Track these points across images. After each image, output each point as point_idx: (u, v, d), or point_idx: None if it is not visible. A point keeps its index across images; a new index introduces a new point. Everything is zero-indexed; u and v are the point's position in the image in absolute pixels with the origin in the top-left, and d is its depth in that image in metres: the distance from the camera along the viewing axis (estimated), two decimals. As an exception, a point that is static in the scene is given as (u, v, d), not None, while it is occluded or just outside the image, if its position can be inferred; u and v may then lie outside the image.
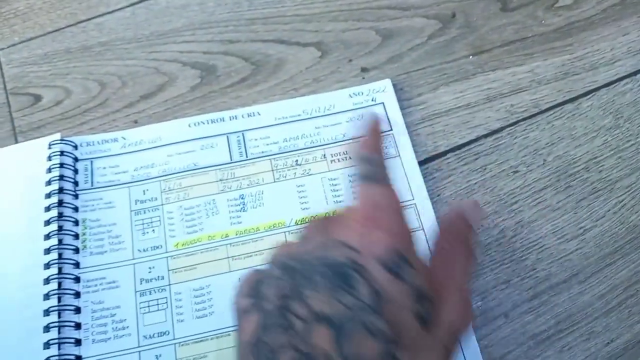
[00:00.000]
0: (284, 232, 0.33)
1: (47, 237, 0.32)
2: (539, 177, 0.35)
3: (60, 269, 0.31)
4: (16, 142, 0.37)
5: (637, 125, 0.37)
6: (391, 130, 0.36)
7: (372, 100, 0.37)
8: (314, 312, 0.20)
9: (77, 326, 0.31)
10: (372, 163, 0.25)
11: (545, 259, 0.33)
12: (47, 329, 0.30)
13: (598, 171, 0.35)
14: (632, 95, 0.38)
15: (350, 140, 0.36)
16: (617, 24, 0.41)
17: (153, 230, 0.33)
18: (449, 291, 0.23)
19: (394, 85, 0.38)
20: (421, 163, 0.35)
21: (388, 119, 0.37)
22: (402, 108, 0.37)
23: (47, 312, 0.30)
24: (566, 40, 0.40)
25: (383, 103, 0.37)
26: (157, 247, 0.33)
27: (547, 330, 0.31)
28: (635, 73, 0.39)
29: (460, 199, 0.34)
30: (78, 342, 0.30)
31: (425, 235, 0.33)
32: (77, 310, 0.31)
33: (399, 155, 0.35)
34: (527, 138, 0.36)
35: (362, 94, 0.37)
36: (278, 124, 0.37)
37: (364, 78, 0.38)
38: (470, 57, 0.39)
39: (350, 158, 0.35)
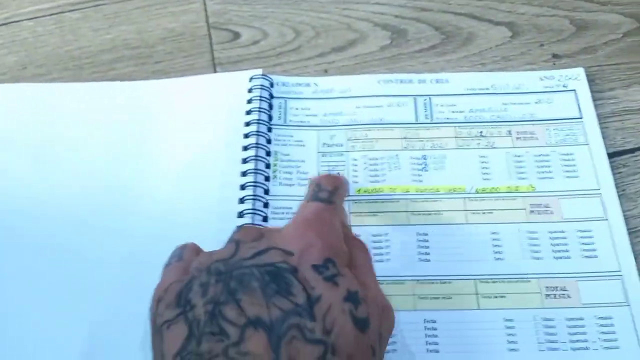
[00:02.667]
0: (464, 197, 0.34)
1: (245, 161, 0.35)
2: None
3: (254, 192, 0.34)
4: (215, 72, 0.40)
5: None
6: (581, 118, 0.36)
7: (564, 86, 0.37)
8: (248, 317, 0.20)
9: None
10: (322, 187, 0.27)
11: None
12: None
13: None
14: None
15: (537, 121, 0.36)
16: None
17: (338, 173, 0.35)
18: (370, 294, 0.23)
19: (586, 76, 0.38)
20: (609, 156, 0.35)
21: (579, 107, 0.37)
22: (593, 99, 0.37)
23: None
24: None
25: (575, 90, 0.37)
26: (346, 193, 0.35)
27: None
28: None
29: (644, 197, 0.34)
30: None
31: (610, 228, 0.33)
32: (263, 233, 0.33)
33: (588, 144, 0.35)
34: None
35: (554, 78, 0.38)
36: (466, 94, 0.37)
37: (554, 64, 0.39)
38: (666, 60, 0.39)
39: (536, 138, 0.36)
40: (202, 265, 0.23)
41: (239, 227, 0.25)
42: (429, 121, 0.37)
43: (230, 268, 0.21)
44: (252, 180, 0.34)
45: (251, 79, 0.37)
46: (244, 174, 0.34)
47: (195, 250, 0.26)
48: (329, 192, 0.27)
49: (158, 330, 0.21)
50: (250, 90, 0.37)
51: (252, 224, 0.33)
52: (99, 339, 0.30)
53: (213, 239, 0.32)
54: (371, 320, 0.22)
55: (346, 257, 0.24)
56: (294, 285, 0.21)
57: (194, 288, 0.22)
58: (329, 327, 0.20)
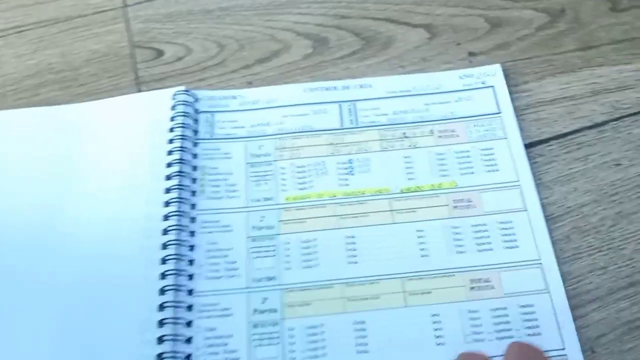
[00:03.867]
0: (389, 198, 0.35)
1: (169, 177, 0.35)
2: (642, 173, 0.36)
3: (179, 209, 0.34)
4: (139, 91, 0.39)
5: None
6: (500, 113, 0.37)
7: (482, 83, 0.38)
8: None
9: (191, 262, 0.33)
10: None
11: (644, 251, 0.33)
12: (163, 261, 0.32)
13: (701, 173, 0.36)
14: None
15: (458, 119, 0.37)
16: None
17: (266, 182, 0.35)
18: None
19: (502, 71, 0.39)
20: (524, 147, 0.36)
21: (497, 102, 0.38)
22: (509, 94, 0.38)
23: (164, 246, 0.33)
24: (674, 44, 0.41)
25: (493, 87, 0.38)
26: (269, 199, 0.35)
27: (642, 318, 0.32)
28: None
29: (560, 184, 0.35)
30: (191, 277, 0.33)
31: (529, 217, 0.34)
32: (192, 247, 0.33)
33: (507, 138, 0.36)
34: (630, 134, 0.37)
35: (473, 76, 0.39)
36: (388, 97, 0.38)
37: (470, 62, 0.40)
38: (578, 51, 0.40)
39: (457, 136, 0.37)
40: None
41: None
42: (354, 126, 0.37)
43: None
44: (177, 196, 0.34)
45: (174, 95, 0.37)
46: (167, 190, 0.34)
47: None
48: None
49: None
50: (173, 107, 0.37)
51: (178, 240, 0.33)
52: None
53: (140, 257, 0.33)
54: None
55: None
56: None
57: None
58: None
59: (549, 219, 0.34)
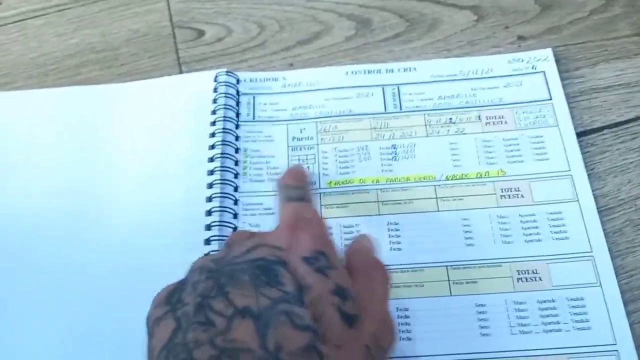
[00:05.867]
0: (434, 185, 0.34)
1: (211, 159, 0.35)
2: (700, 165, 0.34)
3: (221, 191, 0.34)
4: (180, 71, 0.39)
5: None
6: (551, 99, 0.36)
7: (533, 68, 0.37)
8: (236, 307, 0.20)
9: (233, 246, 0.33)
10: (294, 188, 0.27)
11: (702, 247, 0.32)
12: (207, 241, 0.32)
13: None
14: None
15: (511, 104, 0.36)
16: None
17: (308, 166, 0.35)
18: (371, 305, 0.23)
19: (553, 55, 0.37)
20: (577, 135, 0.35)
21: (548, 88, 0.36)
22: (561, 79, 0.37)
23: (208, 227, 0.33)
24: None
25: (544, 72, 0.37)
26: (312, 183, 0.35)
27: (700, 316, 0.30)
28: None
29: (613, 175, 0.34)
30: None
31: (580, 208, 0.33)
32: (235, 229, 0.33)
33: (558, 126, 0.35)
34: (689, 124, 0.36)
35: (522, 60, 0.37)
36: (434, 82, 0.37)
37: (520, 46, 0.38)
38: (634, 37, 0.38)
39: (506, 122, 0.36)
40: (196, 265, 0.23)
41: (233, 232, 0.26)
42: (397, 110, 0.37)
43: (222, 265, 0.22)
44: (219, 178, 0.34)
45: (216, 77, 0.37)
46: (210, 172, 0.34)
47: None
48: (300, 189, 0.28)
49: (150, 330, 0.22)
50: (215, 89, 0.37)
51: (221, 221, 0.33)
52: (66, 348, 0.30)
53: (181, 241, 0.32)
54: (364, 321, 0.22)
55: (335, 250, 0.24)
56: (283, 275, 0.21)
57: (187, 288, 0.22)
58: (318, 316, 0.20)
59: (601, 211, 0.33)
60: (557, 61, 0.38)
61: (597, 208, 0.33)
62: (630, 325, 0.30)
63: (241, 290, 0.20)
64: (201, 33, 0.40)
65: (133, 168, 0.35)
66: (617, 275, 0.31)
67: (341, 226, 0.33)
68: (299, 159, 0.35)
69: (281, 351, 0.19)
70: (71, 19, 0.43)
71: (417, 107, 0.37)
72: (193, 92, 0.37)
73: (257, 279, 0.21)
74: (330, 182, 0.35)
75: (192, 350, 0.19)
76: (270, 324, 0.19)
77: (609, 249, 0.32)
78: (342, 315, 0.21)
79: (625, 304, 0.30)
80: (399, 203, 0.34)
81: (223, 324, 0.19)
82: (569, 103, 0.36)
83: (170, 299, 0.22)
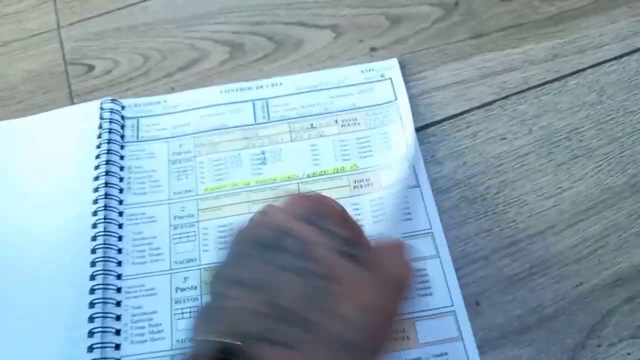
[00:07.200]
0: (297, 182, 0.39)
1: (96, 178, 0.38)
2: (524, 144, 0.40)
3: (106, 205, 0.37)
4: (72, 104, 0.43)
5: (619, 102, 0.41)
6: (396, 100, 0.41)
7: (381, 75, 0.42)
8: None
9: (119, 251, 0.36)
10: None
11: (525, 213, 0.37)
12: (93, 251, 0.36)
13: (579, 140, 0.40)
14: (617, 75, 0.42)
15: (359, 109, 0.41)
16: (607, 13, 0.45)
17: (186, 177, 0.39)
18: (386, 245, 0.27)
19: (400, 63, 0.43)
20: (420, 129, 0.40)
21: (394, 92, 0.42)
22: (406, 82, 0.42)
23: (94, 238, 0.36)
24: (558, 27, 0.45)
25: (391, 78, 0.42)
26: (189, 191, 0.39)
27: (521, 272, 0.35)
28: (621, 56, 0.43)
29: (451, 160, 0.39)
30: (120, 263, 0.36)
31: (421, 192, 0.38)
32: (120, 238, 0.37)
33: (401, 121, 0.40)
34: (515, 110, 0.41)
35: (372, 70, 0.43)
36: (297, 93, 0.42)
37: (372, 56, 0.44)
38: (469, 40, 0.44)
39: (359, 124, 0.41)
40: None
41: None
42: (266, 121, 0.41)
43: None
44: (103, 193, 0.37)
45: (101, 105, 0.41)
46: (95, 189, 0.38)
47: None
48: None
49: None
50: (101, 116, 0.41)
51: (105, 231, 0.36)
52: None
53: (70, 250, 0.36)
54: (377, 261, 0.25)
55: (334, 211, 0.28)
56: (286, 239, 0.25)
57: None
58: (322, 262, 0.24)
59: (440, 191, 0.38)
60: (404, 67, 0.43)
61: (436, 189, 0.38)
62: (463, 286, 0.34)
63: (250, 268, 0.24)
64: (91, 68, 0.45)
65: (27, 194, 0.39)
66: (453, 245, 0.36)
67: (217, 226, 0.37)
68: (178, 171, 0.39)
69: None
70: (-27, 64, 0.47)
71: (282, 116, 0.41)
72: (81, 121, 0.41)
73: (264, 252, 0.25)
74: (207, 188, 0.39)
75: None
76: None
77: (445, 224, 0.36)
78: (346, 256, 0.24)
79: (459, 268, 0.35)
80: (267, 201, 0.38)
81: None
82: (413, 102, 0.41)
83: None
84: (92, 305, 0.34)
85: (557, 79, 0.42)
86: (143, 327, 0.34)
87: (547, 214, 0.37)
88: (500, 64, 0.43)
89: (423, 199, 0.37)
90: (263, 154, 0.40)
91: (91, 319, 0.34)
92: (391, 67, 0.43)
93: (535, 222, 0.37)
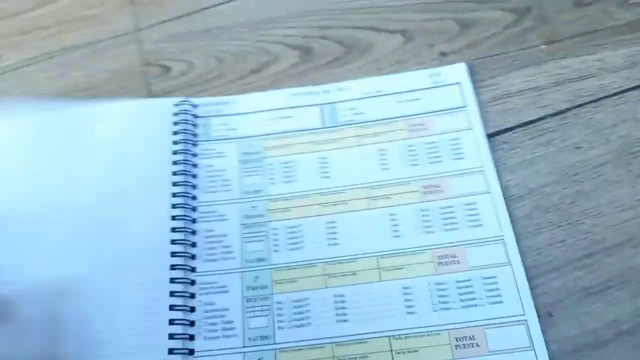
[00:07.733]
0: (365, 187, 0.39)
1: (175, 173, 0.40)
2: (601, 154, 0.38)
3: (184, 201, 0.39)
4: (150, 103, 0.45)
5: (703, 113, 0.39)
6: (465, 106, 0.41)
7: (450, 80, 0.42)
8: None
9: (193, 245, 0.38)
10: None
11: (601, 225, 0.36)
12: (172, 242, 0.37)
13: (659, 152, 0.38)
14: (700, 85, 0.40)
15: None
16: (691, 21, 0.43)
17: (256, 176, 0.40)
18: None
19: (470, 68, 0.43)
20: (491, 135, 0.40)
21: (463, 97, 0.41)
22: (476, 88, 0.42)
23: (173, 230, 0.38)
24: (636, 34, 0.43)
25: (459, 83, 0.42)
26: (259, 191, 0.40)
27: (597, 285, 0.34)
28: None
29: (523, 168, 0.38)
30: (193, 257, 0.37)
31: (492, 199, 0.37)
32: (193, 232, 0.38)
33: (472, 129, 0.40)
34: (591, 119, 0.40)
35: (440, 74, 0.43)
36: (365, 98, 0.43)
37: (441, 61, 0.44)
38: (543, 46, 0.43)
39: (427, 128, 0.41)
40: None
41: None
42: (333, 125, 0.42)
43: None
44: (182, 190, 0.39)
45: (177, 102, 0.43)
46: (175, 184, 0.39)
47: None
48: None
49: None
50: (177, 113, 0.43)
51: (185, 227, 0.38)
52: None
53: (146, 248, 0.38)
54: None
55: None
56: None
57: None
58: None
59: (512, 199, 0.37)
60: (475, 72, 0.43)
61: (508, 196, 0.37)
62: (536, 297, 0.34)
63: None
64: (168, 69, 0.46)
65: (107, 178, 0.40)
66: (525, 254, 0.35)
67: (286, 227, 0.38)
68: (247, 171, 0.40)
69: None
70: (60, 64, 0.50)
71: (349, 120, 0.41)
72: (156, 117, 0.43)
73: None
74: (276, 190, 0.39)
75: None
76: None
77: (518, 232, 0.36)
78: None
79: (532, 278, 0.34)
80: (336, 204, 0.38)
81: None
82: (484, 108, 0.41)
83: None
84: (172, 294, 0.36)
85: (636, 87, 0.41)
86: (215, 324, 0.35)
87: (625, 226, 0.36)
88: (575, 71, 0.42)
89: (494, 206, 0.37)
90: (330, 158, 0.41)
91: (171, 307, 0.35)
92: (460, 71, 0.43)
93: (612, 234, 0.36)
